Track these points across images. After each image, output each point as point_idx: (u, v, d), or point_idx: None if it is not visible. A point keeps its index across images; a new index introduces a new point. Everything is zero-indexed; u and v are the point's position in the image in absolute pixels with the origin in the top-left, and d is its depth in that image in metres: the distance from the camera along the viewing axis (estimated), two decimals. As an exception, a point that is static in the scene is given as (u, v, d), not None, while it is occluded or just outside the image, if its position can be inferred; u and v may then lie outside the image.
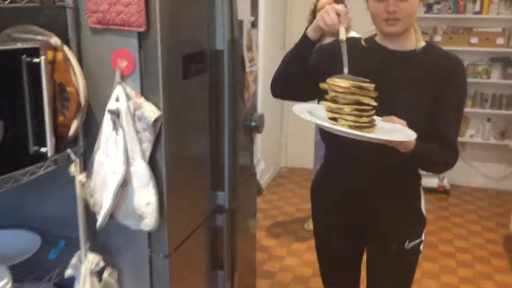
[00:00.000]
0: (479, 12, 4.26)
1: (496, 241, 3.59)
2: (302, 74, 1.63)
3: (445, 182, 4.48)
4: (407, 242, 1.70)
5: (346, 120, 1.36)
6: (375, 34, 1.68)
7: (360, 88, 1.36)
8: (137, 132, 1.51)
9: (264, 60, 4.15)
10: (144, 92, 1.51)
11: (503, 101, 4.38)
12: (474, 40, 4.28)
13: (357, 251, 1.87)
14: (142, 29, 1.44)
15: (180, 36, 1.59)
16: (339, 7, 1.50)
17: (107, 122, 1.49)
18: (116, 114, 1.47)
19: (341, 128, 1.35)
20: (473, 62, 4.39)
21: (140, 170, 1.51)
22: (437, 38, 4.36)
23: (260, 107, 4.17)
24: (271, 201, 4.29)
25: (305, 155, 4.38)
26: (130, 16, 1.43)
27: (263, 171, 4.51)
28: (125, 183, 1.50)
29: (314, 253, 1.94)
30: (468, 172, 4.69)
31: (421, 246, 1.76)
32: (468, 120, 4.55)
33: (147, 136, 1.51)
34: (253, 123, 2.33)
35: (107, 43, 1.50)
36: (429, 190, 4.46)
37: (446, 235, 3.67)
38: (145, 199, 1.52)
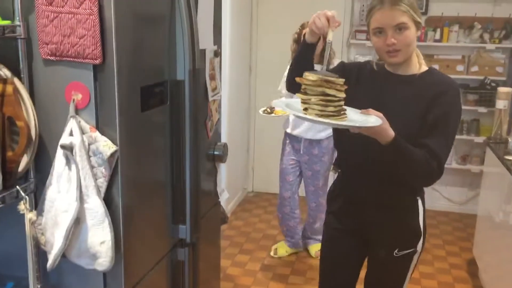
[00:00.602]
0: (439, 40, 4.38)
1: (460, 266, 3.62)
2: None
3: (410, 206, 4.52)
4: (396, 250, 1.84)
5: (313, 109, 1.47)
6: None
7: (327, 81, 1.46)
8: (92, 167, 1.44)
9: (230, 87, 4.14)
10: (100, 126, 1.46)
11: (464, 127, 4.48)
12: (435, 67, 4.37)
13: (358, 255, 2.00)
14: (97, 62, 1.39)
15: (138, 67, 1.55)
16: (329, 12, 1.65)
17: (59, 157, 1.43)
18: (69, 149, 1.40)
19: (308, 116, 1.48)
20: (434, 88, 4.49)
21: (95, 207, 1.44)
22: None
23: (226, 131, 4.16)
24: (237, 228, 4.23)
25: (272, 180, 4.36)
26: (85, 48, 1.38)
27: (230, 196, 4.47)
28: (78, 221, 1.43)
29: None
30: (432, 196, 4.75)
31: (415, 256, 1.88)
32: (431, 144, 4.63)
33: (103, 172, 1.45)
34: (216, 153, 2.29)
35: (61, 75, 1.44)
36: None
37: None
38: (99, 238, 1.45)
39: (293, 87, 1.77)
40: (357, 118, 1.55)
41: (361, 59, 4.56)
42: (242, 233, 4.12)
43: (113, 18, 1.38)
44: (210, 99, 2.16)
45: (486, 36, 4.29)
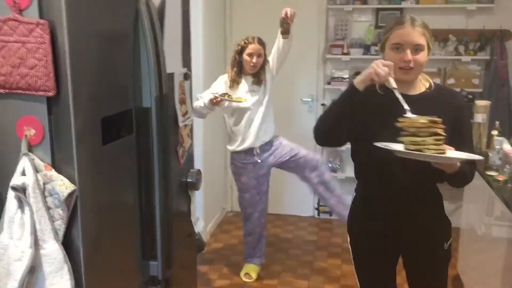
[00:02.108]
0: (415, 53, 4.36)
1: (444, 283, 3.55)
2: (348, 121, 1.85)
3: (392, 222, 4.46)
4: (445, 243, 2.00)
5: (429, 149, 1.61)
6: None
7: (434, 122, 1.62)
8: (48, 208, 1.32)
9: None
10: (56, 163, 1.34)
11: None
12: (411, 80, 4.36)
13: (391, 255, 2.10)
14: (51, 94, 1.28)
15: (98, 97, 1.44)
16: (386, 62, 1.75)
17: (11, 199, 1.30)
18: (21, 190, 1.27)
19: (429, 154, 1.62)
20: (412, 101, 4.46)
21: (52, 253, 1.31)
22: (377, 79, 4.41)
23: (202, 150, 4.04)
24: (216, 251, 4.09)
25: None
26: (37, 80, 1.26)
27: (208, 217, 4.34)
28: (33, 270, 1.30)
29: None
30: (413, 210, 4.70)
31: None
32: (410, 158, 4.59)
33: (60, 213, 1.32)
34: (189, 180, 2.18)
35: (11, 109, 1.32)
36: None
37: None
38: (58, 286, 1.32)
39: (328, 137, 1.96)
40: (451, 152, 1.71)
41: (338, 73, 4.52)
42: (222, 256, 3.99)
43: (67, 46, 1.27)
44: (181, 124, 2.05)
45: (461, 48, 4.29)
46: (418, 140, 1.63)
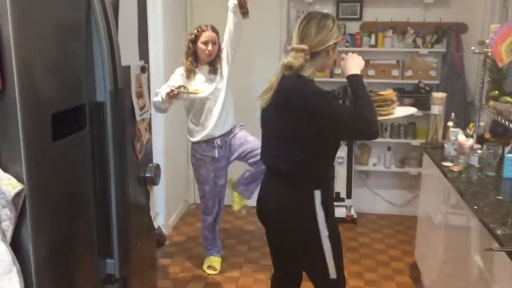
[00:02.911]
0: (375, 46, 4.42)
1: (402, 270, 3.64)
2: None
3: (352, 211, 4.53)
4: None
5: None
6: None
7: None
8: (-5, 209, 1.26)
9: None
10: (3, 162, 1.28)
11: (401, 130, 4.54)
12: (371, 72, 4.42)
13: None
14: (-5, 89, 1.21)
15: (48, 91, 1.38)
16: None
17: (-47, 200, 1.23)
18: (-36, 191, 1.21)
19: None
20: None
21: (0, 255, 1.26)
22: (338, 71, 4.44)
23: (164, 142, 3.98)
24: (178, 244, 4.05)
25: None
26: (-21, 74, 1.20)
27: (170, 210, 4.29)
28: (-21, 274, 1.24)
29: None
30: (373, 200, 4.79)
31: None
32: (370, 149, 4.67)
33: (7, 214, 1.26)
34: (148, 175, 2.14)
35: (-48, 105, 1.24)
36: (338, 221, 4.46)
37: (356, 267, 3.67)
38: (7, 290, 1.27)
39: None
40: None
41: (299, 65, 4.52)
42: (184, 249, 3.96)
43: (12, 37, 1.21)
44: (138, 118, 2.00)
45: (419, 41, 4.37)
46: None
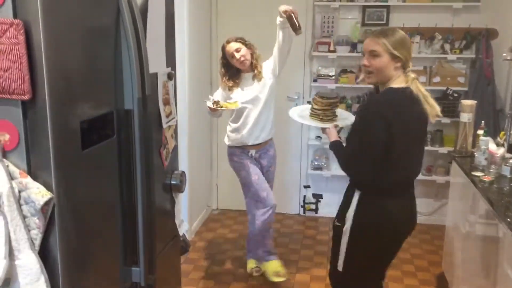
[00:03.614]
0: (401, 51, 4.34)
1: (429, 282, 3.56)
2: None
3: (377, 220, 4.46)
4: (335, 220, 2.51)
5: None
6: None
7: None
8: (24, 217, 1.26)
9: (190, 103, 3.97)
10: (32, 170, 1.28)
11: (428, 137, 4.46)
12: (398, 78, 4.34)
13: None
14: (26, 97, 1.21)
15: (77, 99, 1.38)
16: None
17: (-16, 208, 1.23)
18: (-5, 199, 1.21)
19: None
20: (398, 99, 4.45)
21: (28, 264, 1.26)
22: (363, 77, 4.39)
23: (188, 148, 3.98)
24: (201, 250, 4.05)
25: (237, 196, 4.18)
26: (11, 83, 1.20)
27: (193, 215, 4.28)
28: (7, 282, 1.24)
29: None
30: (398, 208, 4.70)
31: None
32: (396, 156, 4.59)
33: (36, 222, 1.26)
34: (173, 182, 2.13)
35: (-16, 113, 1.25)
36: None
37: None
38: (34, 298, 1.27)
39: None
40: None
41: (324, 71, 4.49)
42: (207, 255, 3.95)
43: (43, 47, 1.21)
44: (165, 125, 2.00)
45: (447, 47, 4.29)
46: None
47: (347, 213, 2.31)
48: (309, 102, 3.32)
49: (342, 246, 2.33)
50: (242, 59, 3.23)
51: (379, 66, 2.14)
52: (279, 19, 3.12)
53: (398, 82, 2.18)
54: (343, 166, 2.27)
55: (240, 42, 3.27)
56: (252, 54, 3.28)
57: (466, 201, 3.01)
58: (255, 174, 3.37)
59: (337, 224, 2.39)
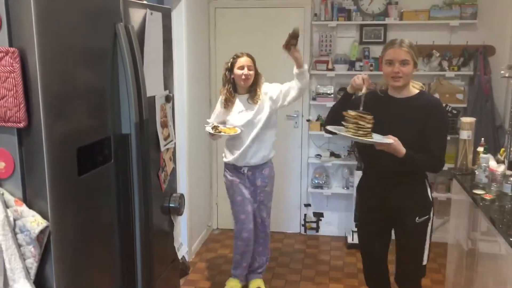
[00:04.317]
0: (399, 69, 4.35)
1: (433, 301, 3.51)
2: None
3: (379, 238, 4.42)
4: (417, 218, 2.56)
5: (350, 131, 2.35)
6: (387, 88, 2.60)
7: (360, 116, 2.33)
8: (19, 246, 1.24)
9: (189, 121, 3.97)
10: (28, 198, 1.26)
11: (428, 154, 4.44)
12: (396, 95, 4.35)
13: (386, 226, 2.69)
14: (21, 125, 1.21)
15: (73, 126, 1.37)
16: (365, 76, 2.54)
17: (-22, 237, 1.22)
18: (-11, 228, 1.20)
19: (345, 134, 2.38)
20: (397, 116, 4.45)
21: (23, 294, 1.24)
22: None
23: (187, 167, 3.96)
24: (201, 271, 4.01)
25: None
26: (6, 110, 1.20)
27: (193, 235, 4.25)
28: (2, 313, 1.22)
29: None
30: (400, 226, 4.67)
31: (430, 222, 2.61)
32: (396, 173, 4.57)
33: (32, 251, 1.25)
34: (172, 205, 2.11)
35: (-20, 141, 1.24)
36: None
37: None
38: (30, 329, 1.24)
39: (336, 121, 2.53)
40: (378, 138, 2.38)
41: (322, 89, 4.50)
42: (207, 276, 3.90)
43: (39, 74, 1.21)
44: (163, 148, 1.99)
45: (445, 64, 4.30)
46: (345, 124, 2.39)
47: (425, 205, 2.58)
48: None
49: (427, 238, 2.61)
50: (248, 76, 3.24)
51: (409, 72, 2.48)
52: (294, 71, 3.24)
53: (412, 85, 2.58)
54: (440, 165, 2.52)
55: (252, 60, 3.30)
56: (256, 76, 3.30)
57: (468, 219, 2.98)
58: (240, 195, 3.40)
59: (420, 220, 2.56)
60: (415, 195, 2.57)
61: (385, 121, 2.42)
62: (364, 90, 2.48)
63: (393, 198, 2.56)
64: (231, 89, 3.30)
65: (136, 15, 1.71)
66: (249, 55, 3.30)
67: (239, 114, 3.29)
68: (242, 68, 3.23)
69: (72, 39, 1.35)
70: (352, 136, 2.34)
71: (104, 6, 1.53)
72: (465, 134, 3.20)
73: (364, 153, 2.75)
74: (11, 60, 1.17)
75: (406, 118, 2.47)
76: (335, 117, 2.57)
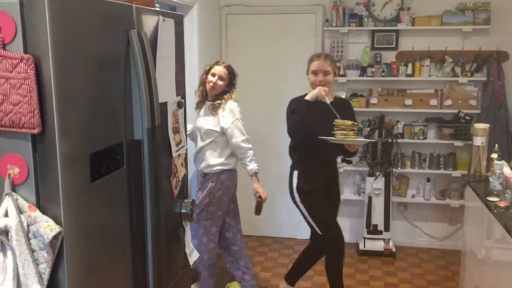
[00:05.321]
0: (411, 75, 4.33)
1: (446, 309, 3.47)
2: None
3: (391, 245, 4.39)
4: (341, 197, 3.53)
5: (350, 136, 2.91)
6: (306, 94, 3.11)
7: (353, 124, 2.92)
8: (32, 251, 1.25)
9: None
10: (41, 203, 1.27)
11: (441, 161, 4.41)
12: (408, 101, 4.32)
13: (328, 200, 3.28)
14: (35, 131, 1.22)
15: (86, 132, 1.38)
16: (325, 88, 3.01)
17: (-8, 243, 1.23)
18: (3, 233, 1.21)
19: (351, 139, 2.93)
20: (408, 123, 4.42)
21: (36, 299, 1.24)
22: (373, 100, 4.37)
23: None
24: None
25: (247, 221, 4.15)
26: (21, 117, 1.21)
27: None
28: (15, 318, 1.22)
29: None
30: (412, 233, 4.64)
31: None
32: (408, 180, 4.53)
33: (45, 256, 1.25)
34: (183, 211, 2.11)
35: (-6, 147, 1.26)
36: (375, 254, 4.34)
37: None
38: (42, 334, 1.25)
39: (300, 135, 3.11)
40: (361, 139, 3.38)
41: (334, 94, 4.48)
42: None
43: (53, 80, 1.22)
44: (174, 154, 1.99)
45: (458, 70, 4.27)
46: (345, 132, 2.89)
47: (339, 185, 3.43)
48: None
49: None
50: (215, 86, 3.21)
51: (330, 80, 3.11)
52: (251, 172, 3.26)
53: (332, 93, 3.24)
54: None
55: (228, 73, 3.26)
56: (226, 90, 3.24)
57: (482, 226, 2.94)
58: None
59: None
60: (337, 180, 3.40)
61: (326, 119, 2.93)
62: (327, 100, 2.97)
63: (331, 183, 3.30)
64: (204, 92, 3.30)
65: (149, 22, 1.72)
66: (228, 67, 3.27)
67: (200, 117, 3.31)
68: (213, 75, 3.22)
69: (86, 45, 1.36)
70: (353, 139, 2.91)
71: (118, 13, 1.54)
72: (479, 141, 3.17)
73: (319, 147, 3.12)
74: (26, 67, 1.18)
75: (330, 116, 2.95)
76: (306, 127, 2.99)
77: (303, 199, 3.19)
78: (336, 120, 2.90)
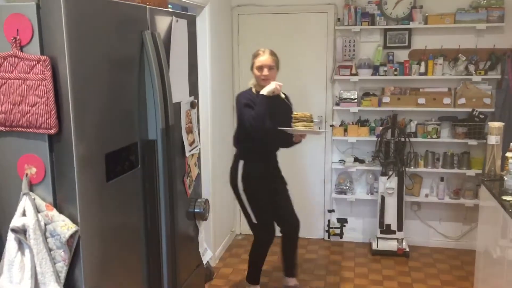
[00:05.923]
0: (424, 74, 4.30)
1: (461, 309, 3.44)
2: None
3: (404, 245, 4.36)
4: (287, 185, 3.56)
5: (310, 126, 3.15)
6: (252, 88, 3.30)
7: (311, 116, 3.17)
8: (50, 250, 1.27)
9: (213, 127, 4.00)
10: (58, 203, 1.29)
11: (454, 160, 4.37)
12: (421, 100, 4.29)
13: (272, 189, 3.43)
14: (52, 132, 1.24)
15: (102, 132, 1.39)
16: (280, 83, 3.11)
17: (11, 242, 1.25)
18: (21, 232, 1.23)
19: (309, 129, 3.17)
20: (421, 122, 4.39)
21: (53, 297, 1.26)
22: (386, 99, 4.35)
23: (211, 171, 3.99)
24: (225, 276, 4.01)
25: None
26: (38, 117, 1.22)
27: (217, 240, 4.26)
28: (33, 316, 1.24)
29: None
30: (425, 232, 4.60)
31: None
32: (421, 179, 4.51)
33: (62, 255, 1.27)
34: (197, 210, 2.12)
35: (12, 147, 1.28)
36: (389, 254, 4.32)
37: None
38: (59, 332, 1.26)
39: (259, 126, 3.13)
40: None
41: (346, 94, 4.47)
42: (230, 282, 3.91)
43: (69, 81, 1.23)
44: (188, 154, 2.01)
45: (471, 68, 4.22)
46: (307, 124, 3.12)
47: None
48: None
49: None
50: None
51: (274, 75, 3.21)
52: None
53: None
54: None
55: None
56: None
57: (497, 226, 2.91)
58: None
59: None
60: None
61: (280, 112, 3.18)
62: (282, 95, 3.19)
63: (277, 171, 3.48)
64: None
65: (162, 23, 1.73)
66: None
67: None
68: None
69: (101, 47, 1.38)
70: (310, 130, 3.16)
71: (131, 14, 1.56)
72: (493, 139, 3.14)
73: (266, 138, 3.26)
74: (43, 68, 1.20)
75: (283, 109, 3.20)
76: (264, 120, 3.11)
77: (246, 187, 3.32)
78: (295, 112, 3.12)
